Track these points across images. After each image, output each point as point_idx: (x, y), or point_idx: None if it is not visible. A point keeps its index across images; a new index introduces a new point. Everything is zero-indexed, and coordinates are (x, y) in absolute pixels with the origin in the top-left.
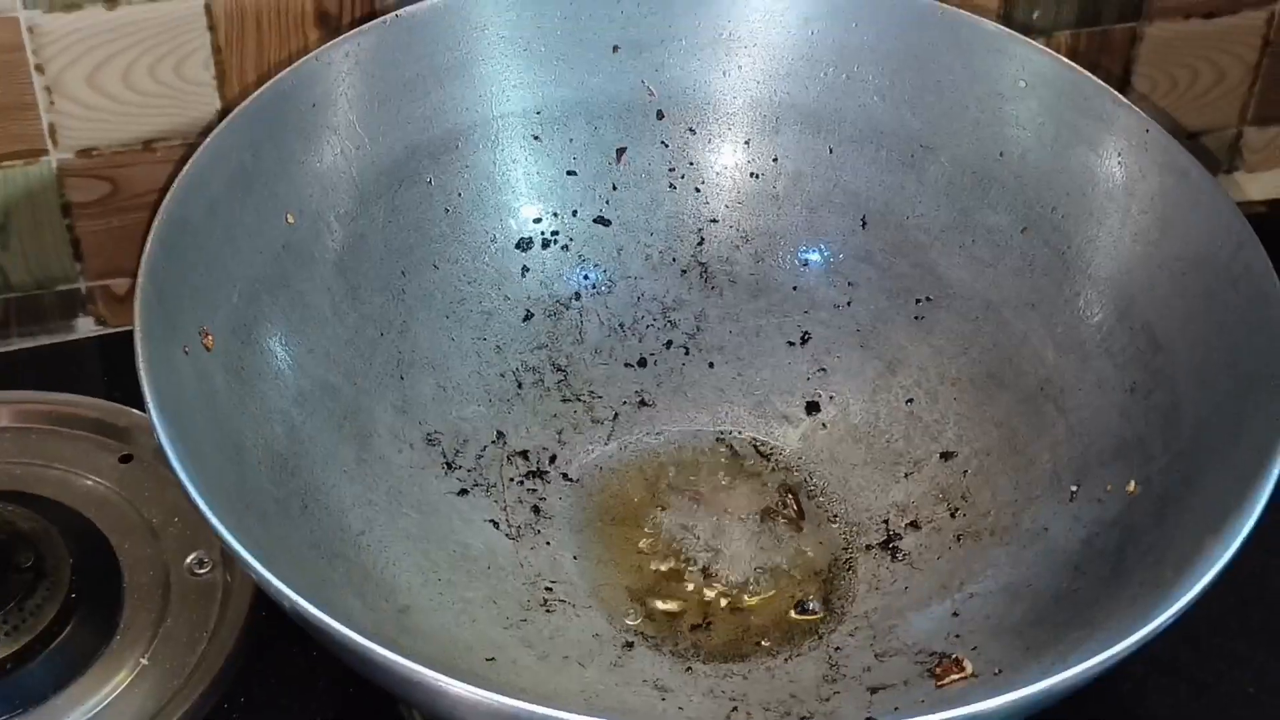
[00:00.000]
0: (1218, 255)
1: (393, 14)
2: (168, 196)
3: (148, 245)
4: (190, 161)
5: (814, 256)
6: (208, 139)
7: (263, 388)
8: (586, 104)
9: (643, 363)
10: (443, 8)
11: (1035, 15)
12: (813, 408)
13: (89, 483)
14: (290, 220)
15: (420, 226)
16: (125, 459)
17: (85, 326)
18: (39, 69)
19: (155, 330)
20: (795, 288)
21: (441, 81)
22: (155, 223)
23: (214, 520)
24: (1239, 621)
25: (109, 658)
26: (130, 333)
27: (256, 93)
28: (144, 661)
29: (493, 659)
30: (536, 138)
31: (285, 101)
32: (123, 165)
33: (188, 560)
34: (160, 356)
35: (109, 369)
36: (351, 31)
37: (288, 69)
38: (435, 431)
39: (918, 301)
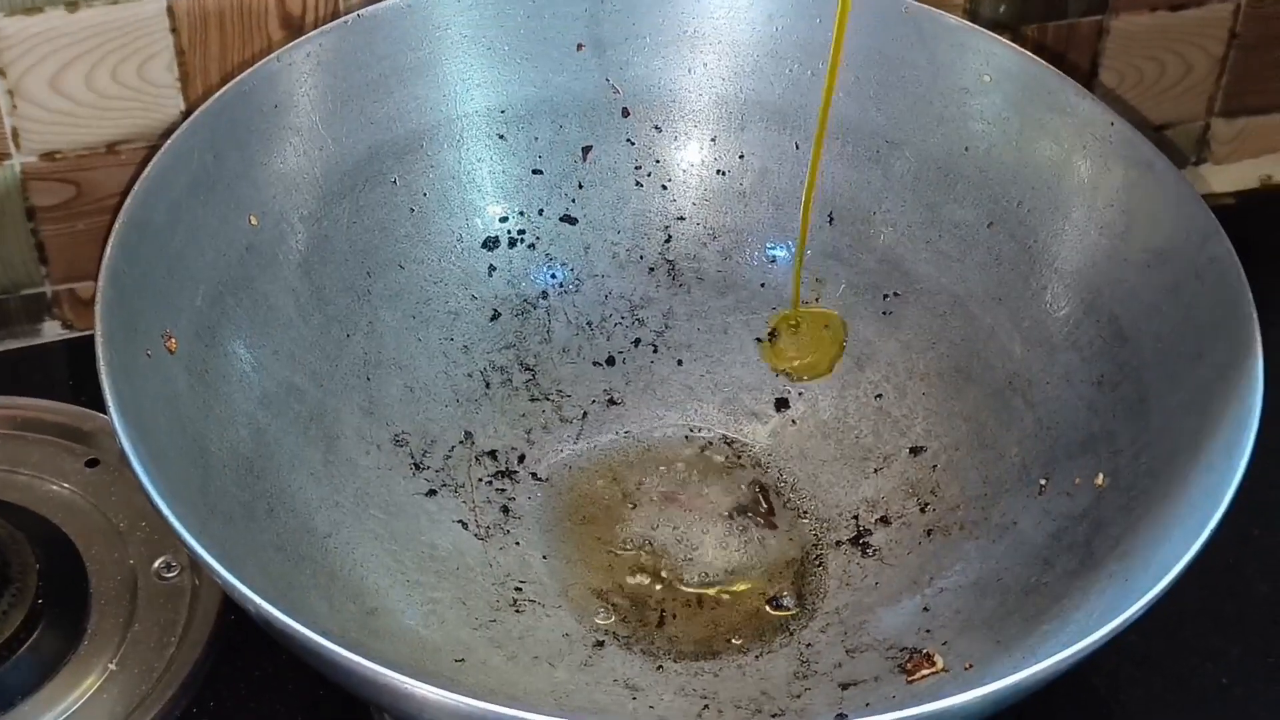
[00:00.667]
0: (1183, 248)
1: (354, 14)
2: (128, 198)
3: (108, 248)
4: (151, 163)
5: (781, 253)
6: (168, 141)
7: (227, 390)
8: (551, 102)
9: (611, 361)
10: (405, 7)
11: (1001, 9)
12: (781, 404)
13: (55, 487)
14: (253, 222)
15: (385, 227)
16: (91, 463)
17: (51, 330)
18: (0, 72)
19: (117, 334)
20: (763, 284)
21: (405, 81)
22: (116, 225)
23: (177, 524)
24: (1211, 614)
25: (77, 663)
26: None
27: (217, 94)
28: (112, 666)
29: (462, 660)
30: (501, 136)
31: (247, 102)
32: (87, 168)
33: (155, 564)
34: (122, 360)
35: (75, 373)
36: (313, 32)
37: (249, 70)
38: (403, 432)
39: (885, 297)
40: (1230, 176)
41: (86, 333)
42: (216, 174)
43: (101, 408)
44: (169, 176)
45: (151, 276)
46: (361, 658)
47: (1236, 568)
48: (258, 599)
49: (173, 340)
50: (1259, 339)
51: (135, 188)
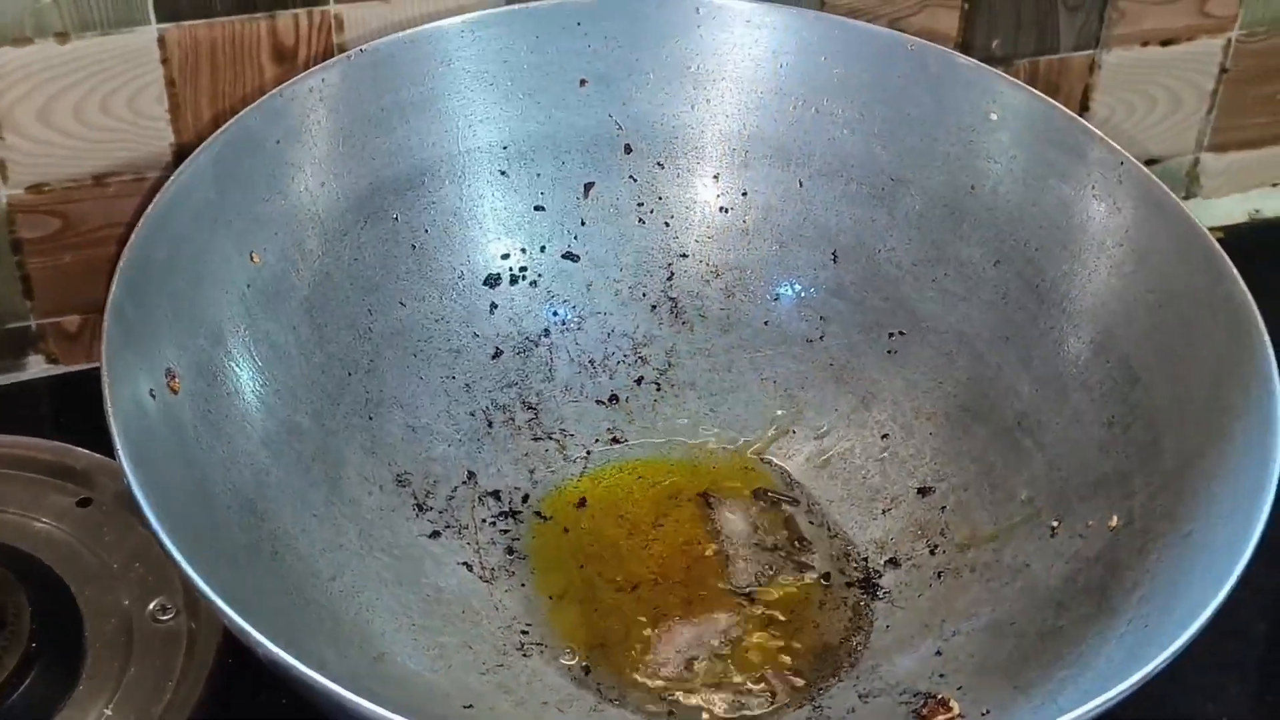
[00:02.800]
0: (1195, 287)
1: (357, 49)
2: (133, 235)
3: (114, 287)
4: (155, 201)
5: (785, 291)
6: (173, 176)
7: (230, 430)
8: (554, 138)
9: (614, 399)
10: (408, 42)
11: (995, 44)
12: (787, 445)
13: (46, 527)
14: (255, 259)
15: (386, 264)
16: (83, 503)
17: (35, 365)
18: None
19: (122, 374)
20: (766, 322)
21: (407, 117)
22: (120, 263)
23: (188, 569)
24: (1211, 651)
25: (72, 708)
26: (84, 372)
27: (221, 129)
28: (108, 712)
29: (470, 706)
30: (503, 173)
31: (250, 138)
32: (74, 200)
33: (150, 607)
34: (127, 401)
35: (62, 410)
36: (316, 67)
37: (252, 105)
38: (405, 472)
39: (890, 335)
40: (1219, 211)
41: (72, 368)
42: (219, 210)
43: (92, 445)
44: (172, 213)
45: (155, 315)
46: (376, 706)
47: (1235, 605)
48: (273, 647)
49: (176, 380)
50: (1277, 380)
51: (140, 224)
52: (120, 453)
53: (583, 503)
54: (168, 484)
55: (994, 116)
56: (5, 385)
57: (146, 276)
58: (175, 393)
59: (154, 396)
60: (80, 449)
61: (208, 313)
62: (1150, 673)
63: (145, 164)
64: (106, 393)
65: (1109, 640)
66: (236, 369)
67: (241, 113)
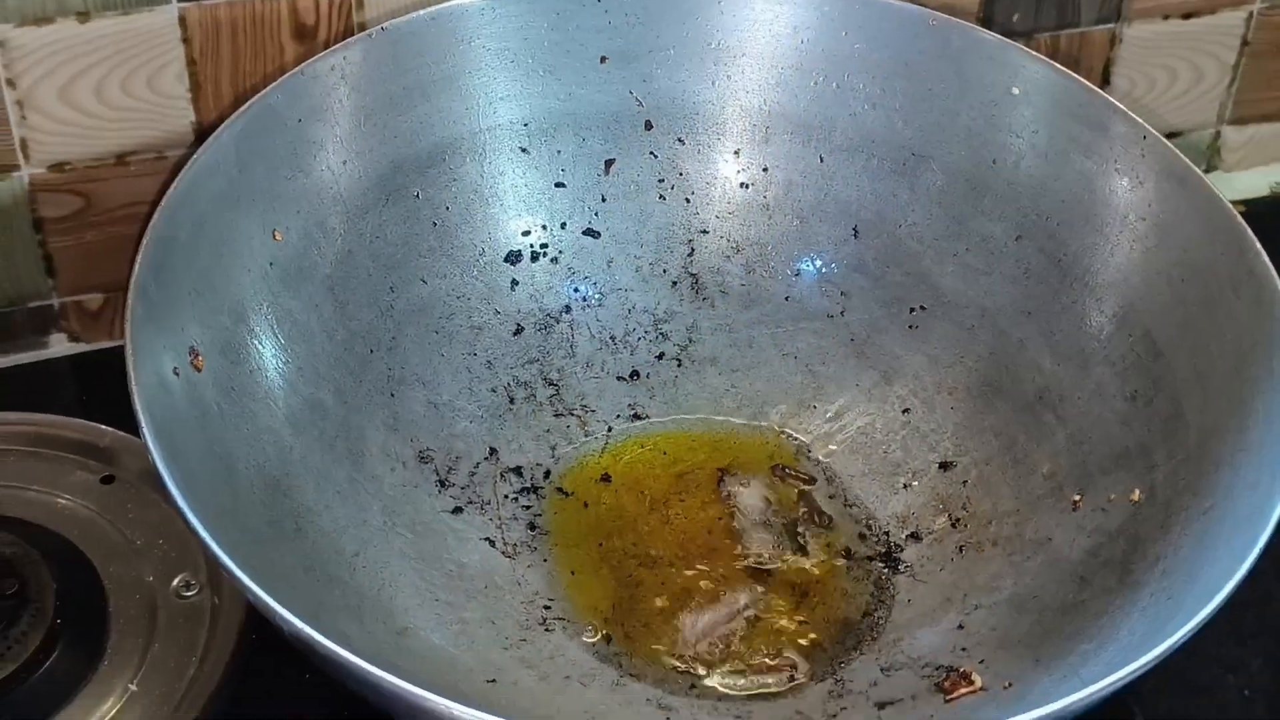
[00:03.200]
0: (1218, 261)
1: (379, 27)
2: (156, 214)
3: (137, 266)
4: (178, 179)
5: (806, 266)
6: (195, 155)
7: (253, 408)
8: (574, 115)
9: (635, 375)
10: (429, 20)
11: (1015, 18)
12: (809, 419)
13: (71, 505)
14: (278, 237)
15: (408, 241)
16: (107, 480)
17: (58, 343)
18: (10, 83)
19: (146, 352)
20: (787, 298)
21: (428, 94)
22: (144, 242)
23: (214, 545)
24: (1232, 625)
25: (96, 684)
26: (106, 350)
27: (243, 108)
28: (133, 687)
29: (493, 680)
30: (524, 150)
31: (272, 116)
32: (95, 180)
33: (174, 583)
34: (152, 379)
35: (85, 388)
36: (337, 45)
37: (274, 84)
38: (427, 449)
39: (911, 310)
40: (1240, 184)
41: (95, 346)
42: (242, 188)
43: (116, 423)
44: (195, 191)
45: (179, 293)
46: (404, 681)
47: (1256, 578)
48: (297, 621)
49: (200, 359)
50: None
51: (163, 203)
52: (144, 430)
53: (606, 478)
54: (191, 461)
55: (1016, 91)
56: (29, 363)
57: (170, 255)
58: (199, 370)
59: (178, 374)
60: (104, 426)
61: (230, 291)
62: (1173, 646)
63: (166, 143)
64: (131, 371)
65: (1131, 614)
66: (259, 346)
67: (264, 91)
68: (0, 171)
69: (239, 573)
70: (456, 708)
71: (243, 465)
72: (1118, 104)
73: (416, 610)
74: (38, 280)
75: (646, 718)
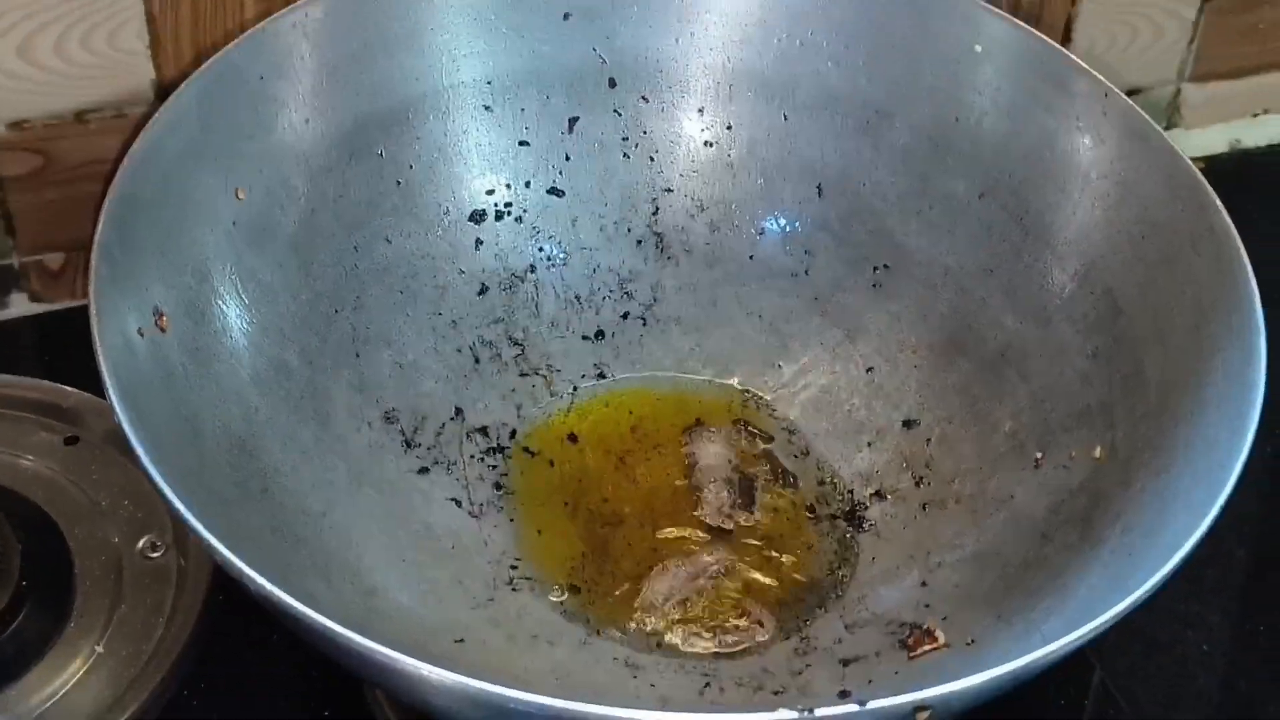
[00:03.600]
0: (1178, 218)
1: None
2: (118, 173)
3: (100, 225)
4: (140, 137)
5: (770, 225)
6: (157, 113)
7: (218, 369)
8: (538, 73)
9: (600, 335)
10: None
11: None
12: (773, 378)
13: (34, 466)
14: (240, 196)
15: (372, 200)
16: (70, 441)
17: (19, 303)
18: None
19: (111, 313)
20: (752, 257)
21: (390, 51)
22: (107, 200)
23: (181, 507)
24: (1191, 580)
25: (63, 646)
26: (68, 310)
27: (205, 65)
28: (99, 649)
29: (461, 640)
30: (488, 108)
31: (234, 74)
32: (55, 138)
33: (140, 544)
34: (117, 340)
35: (47, 348)
36: (299, 1)
37: (236, 40)
38: (393, 409)
39: (875, 269)
40: (1200, 142)
41: (57, 306)
42: (204, 146)
43: (78, 383)
44: (158, 150)
45: (143, 253)
46: (372, 642)
47: (1216, 535)
48: (262, 581)
49: (165, 319)
50: (1260, 311)
51: (125, 161)
52: (110, 391)
53: (573, 437)
54: (157, 422)
55: (978, 48)
56: None
57: (133, 214)
58: (164, 331)
59: (142, 335)
60: (67, 387)
61: (194, 251)
62: (1134, 603)
63: (127, 100)
64: (95, 332)
65: (1092, 570)
66: (224, 307)
67: (226, 48)
68: None
69: (206, 534)
70: (425, 667)
71: (208, 426)
72: (1079, 61)
73: (384, 570)
74: None
75: (614, 676)
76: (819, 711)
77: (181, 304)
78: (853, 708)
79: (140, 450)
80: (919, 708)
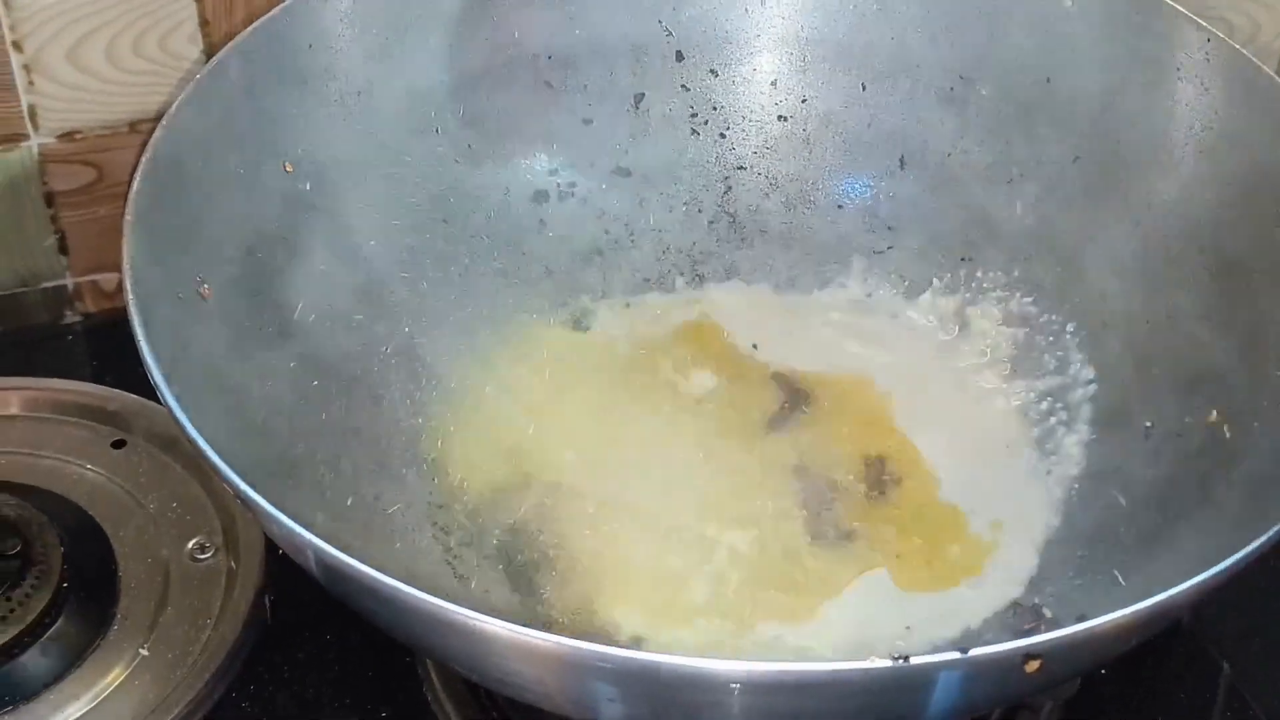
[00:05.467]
0: None
1: None
2: (155, 133)
3: (135, 182)
4: (178, 100)
5: (850, 202)
6: (197, 76)
7: (266, 342)
8: (601, 47)
9: None
10: None
11: None
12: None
13: (80, 470)
14: (288, 169)
15: (426, 179)
16: (118, 444)
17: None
18: (16, 46)
19: (147, 271)
20: (831, 235)
21: (445, 24)
22: (143, 159)
23: (230, 474)
24: None
25: (105, 649)
26: (117, 313)
27: (246, 30)
28: (143, 652)
29: None
30: (548, 84)
31: (278, 42)
32: (108, 149)
33: (188, 546)
34: (152, 299)
35: (96, 353)
36: None
37: (280, 6)
38: (450, 389)
39: (964, 243)
40: None
41: (108, 308)
42: (248, 115)
43: (128, 387)
44: (198, 114)
45: (181, 217)
46: (436, 598)
47: None
48: (327, 547)
49: (206, 287)
50: None
51: (163, 122)
52: (142, 343)
53: None
54: (197, 389)
55: (1069, 3)
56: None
57: (170, 177)
58: (205, 299)
59: (182, 298)
60: (114, 390)
61: (239, 222)
62: (1253, 552)
63: None
64: (127, 284)
65: (1215, 535)
66: (270, 282)
67: (269, 13)
68: (8, 141)
69: (262, 502)
70: (493, 623)
71: (253, 401)
72: (1177, 6)
73: (439, 559)
74: (51, 259)
75: None
76: (916, 660)
77: (226, 275)
78: (954, 655)
79: (172, 401)
80: (1029, 655)
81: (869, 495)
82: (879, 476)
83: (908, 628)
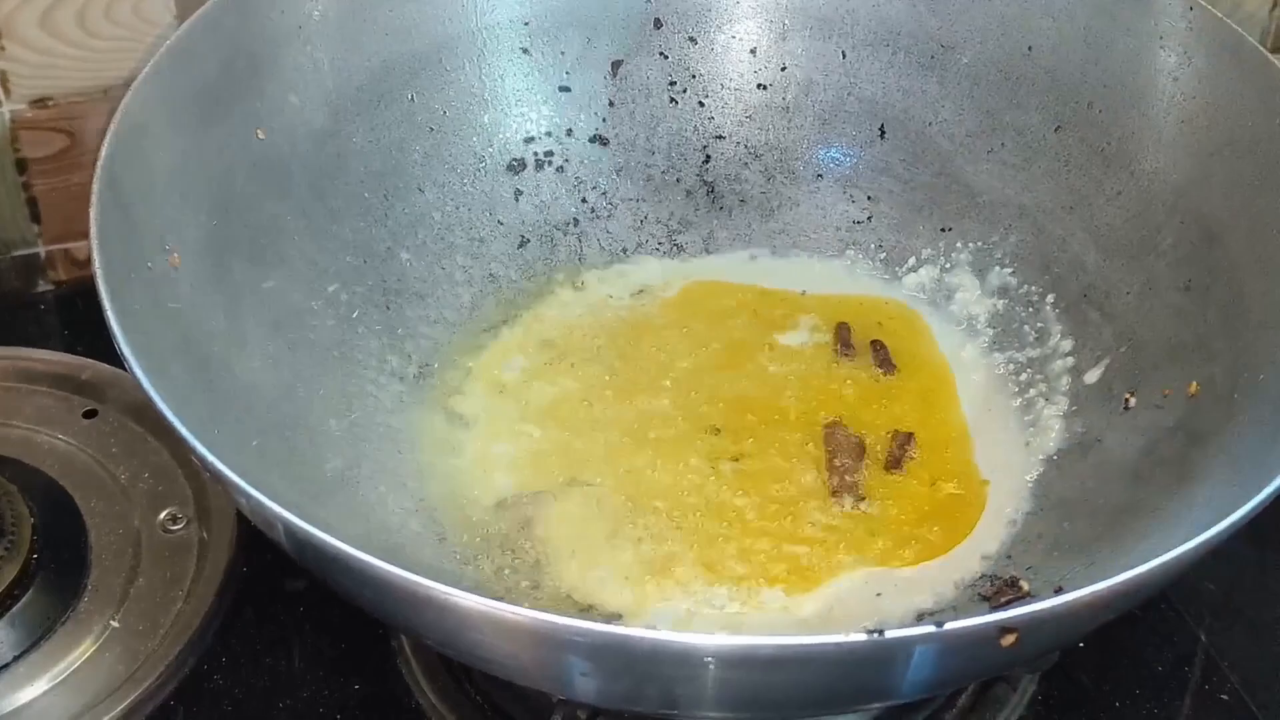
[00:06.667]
0: (1276, 134)
1: None
2: (125, 99)
3: (104, 149)
4: (149, 65)
5: (829, 171)
6: (167, 42)
7: (236, 313)
8: (578, 13)
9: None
10: None
11: None
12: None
13: (51, 440)
14: (260, 135)
15: (402, 147)
16: (89, 414)
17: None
18: None
19: (115, 239)
20: (811, 205)
21: None
22: (111, 126)
23: (198, 445)
24: None
25: (76, 620)
26: (87, 282)
27: None
28: (114, 624)
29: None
30: (525, 50)
31: (250, 7)
32: (80, 116)
33: (160, 516)
34: (121, 267)
35: (68, 322)
36: None
37: None
38: (426, 364)
39: (944, 213)
40: None
41: (79, 276)
42: (220, 81)
43: (99, 356)
44: (168, 80)
45: (150, 184)
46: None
47: None
48: (294, 519)
49: (175, 255)
50: None
51: (132, 88)
52: (109, 311)
53: None
54: (165, 358)
55: None
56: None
57: (140, 143)
58: (175, 267)
59: (151, 269)
60: (86, 359)
61: (210, 189)
62: (1236, 523)
63: None
64: (95, 255)
65: (1194, 507)
66: (242, 250)
67: None
68: None
69: (229, 473)
70: (462, 596)
71: (224, 371)
72: None
73: (414, 529)
74: (22, 227)
75: None
76: (890, 633)
77: (196, 243)
78: (929, 629)
79: (140, 374)
80: (1004, 629)
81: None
82: (858, 445)
83: (878, 595)
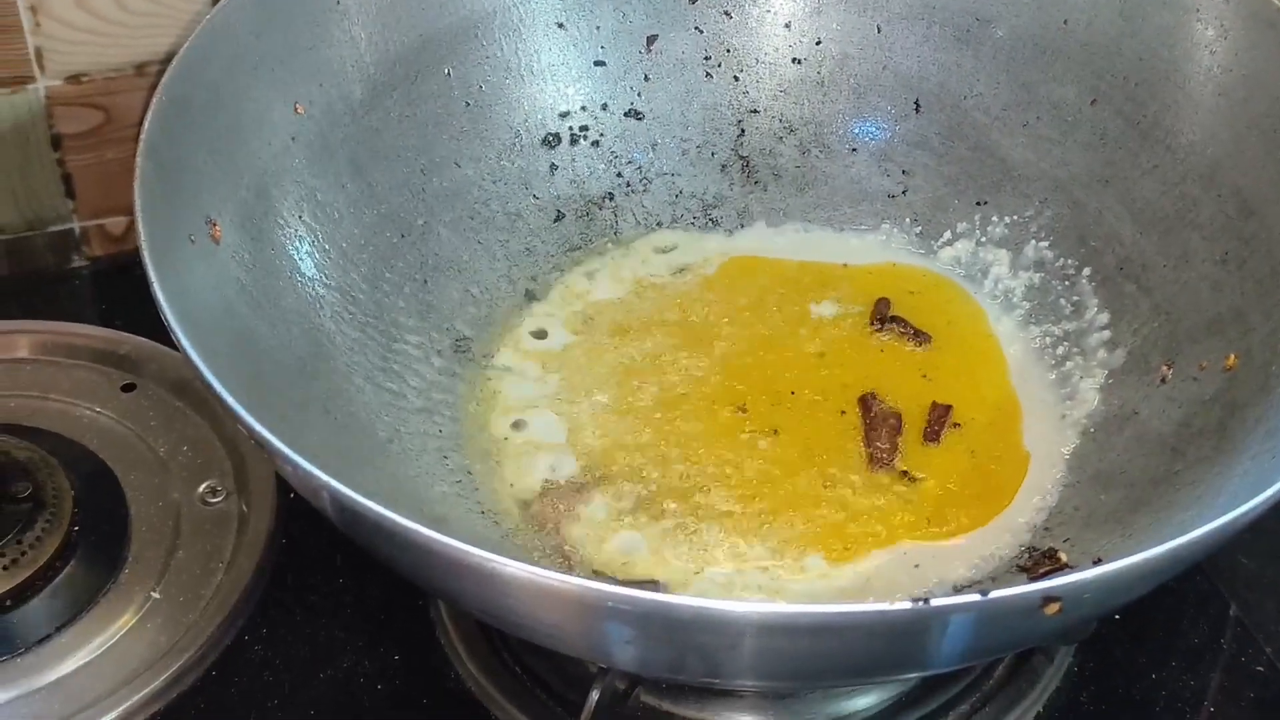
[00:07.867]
0: None
1: None
2: (166, 74)
3: (146, 122)
4: (189, 41)
5: (864, 145)
6: (207, 17)
7: (276, 287)
8: None
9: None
10: None
11: None
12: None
13: (90, 413)
14: (299, 110)
15: (439, 121)
16: (128, 388)
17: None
18: None
19: (158, 211)
20: (845, 179)
21: None
22: (153, 101)
23: (241, 411)
24: None
25: (116, 592)
26: (126, 256)
27: None
28: (155, 595)
29: None
30: (561, 25)
31: None
32: (115, 91)
33: (199, 489)
34: (164, 240)
35: (104, 296)
36: None
37: None
38: (465, 338)
39: (980, 187)
40: None
41: (114, 251)
42: (259, 56)
43: (137, 330)
44: (209, 54)
45: (192, 158)
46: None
47: None
48: (338, 485)
49: (218, 228)
50: None
51: (173, 64)
52: (154, 283)
53: None
54: (208, 330)
55: None
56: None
57: (182, 117)
58: (217, 241)
59: (194, 242)
60: (124, 333)
61: (250, 163)
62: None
63: None
64: (141, 228)
65: (1230, 479)
66: (282, 223)
67: None
68: (14, 84)
69: (273, 439)
70: (505, 563)
71: (265, 343)
72: None
73: (454, 500)
74: (57, 203)
75: None
76: (935, 602)
77: (237, 217)
78: (974, 598)
79: (184, 340)
80: (1048, 598)
81: (887, 437)
82: (896, 417)
83: (916, 566)
